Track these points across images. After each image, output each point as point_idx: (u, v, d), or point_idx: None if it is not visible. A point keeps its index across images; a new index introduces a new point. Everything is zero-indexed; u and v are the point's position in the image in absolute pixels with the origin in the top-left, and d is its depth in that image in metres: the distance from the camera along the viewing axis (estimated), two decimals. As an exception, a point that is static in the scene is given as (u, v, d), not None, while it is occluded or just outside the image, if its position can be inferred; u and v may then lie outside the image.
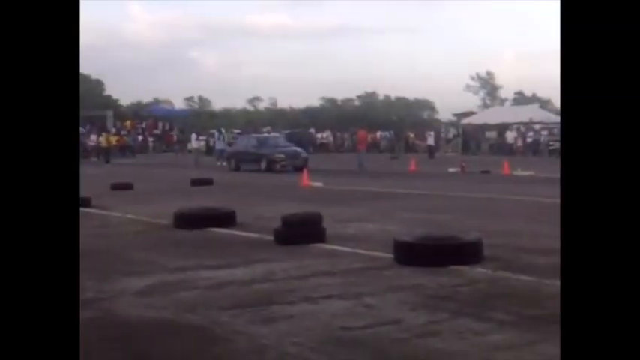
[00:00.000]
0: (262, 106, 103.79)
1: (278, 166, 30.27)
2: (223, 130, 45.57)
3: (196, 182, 22.07)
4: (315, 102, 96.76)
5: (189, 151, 48.86)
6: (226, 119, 78.26)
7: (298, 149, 33.03)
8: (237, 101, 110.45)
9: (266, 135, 41.84)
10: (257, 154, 31.52)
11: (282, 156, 31.07)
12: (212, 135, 49.06)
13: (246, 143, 34.57)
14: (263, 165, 30.76)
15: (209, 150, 45.92)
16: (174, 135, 62.32)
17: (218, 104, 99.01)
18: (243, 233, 10.99)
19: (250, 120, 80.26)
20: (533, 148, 48.54)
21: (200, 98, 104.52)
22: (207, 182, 22.32)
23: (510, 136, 51.50)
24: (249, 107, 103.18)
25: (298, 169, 27.54)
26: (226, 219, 11.79)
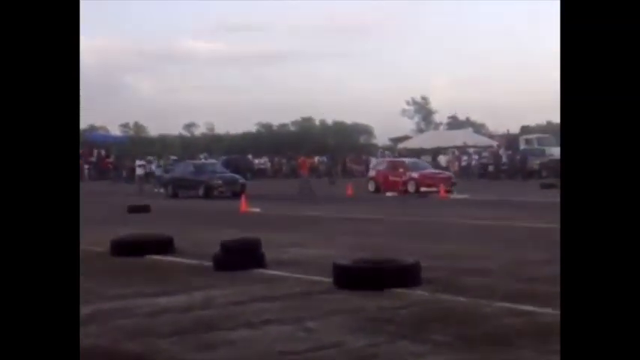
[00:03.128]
0: (199, 132, 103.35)
1: (216, 192, 30.20)
2: (156, 157, 45.25)
3: (133, 209, 21.88)
4: (251, 128, 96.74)
5: (126, 179, 48.31)
6: (162, 146, 77.66)
7: (236, 175, 33.00)
8: (173, 127, 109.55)
9: (203, 161, 41.65)
10: (195, 181, 31.40)
11: (220, 182, 31.03)
12: (150, 162, 48.67)
13: (183, 169, 34.45)
14: (201, 191, 30.65)
15: (147, 177, 45.47)
16: (111, 162, 61.51)
17: (154, 130, 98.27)
18: (182, 260, 10.91)
19: (187, 146, 79.76)
20: (467, 172, 49.25)
21: (136, 125, 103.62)
22: (145, 209, 22.15)
23: (443, 159, 52.03)
24: (186, 133, 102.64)
25: (236, 195, 27.49)
26: (164, 245, 11.69)
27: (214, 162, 40.77)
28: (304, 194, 30.94)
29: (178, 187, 32.03)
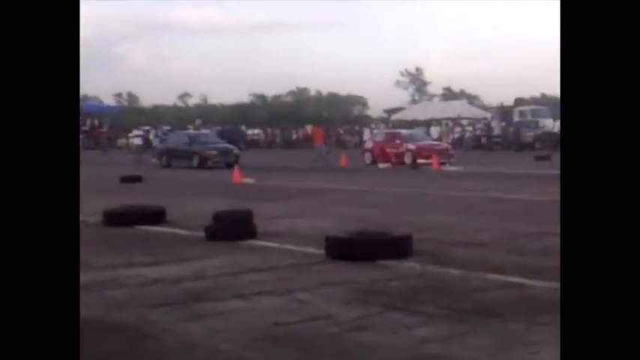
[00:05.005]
0: (192, 102, 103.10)
1: (210, 163, 30.10)
2: (152, 127, 45.14)
3: (126, 179, 21.83)
4: (245, 98, 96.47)
5: (119, 148, 48.16)
6: (156, 116, 77.50)
7: (230, 146, 32.89)
8: (166, 98, 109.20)
9: (197, 132, 41.35)
10: (189, 151, 31.30)
11: (215, 152, 30.91)
12: (148, 131, 48.75)
13: (177, 140, 34.30)
14: (195, 161, 30.54)
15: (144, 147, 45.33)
16: (104, 132, 61.31)
17: (147, 101, 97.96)
18: (174, 230, 10.90)
19: (180, 117, 79.57)
20: (461, 144, 49.22)
21: (129, 95, 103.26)
22: (137, 179, 22.10)
23: (435, 131, 51.91)
24: (180, 104, 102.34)
25: (231, 166, 27.40)
26: (156, 216, 11.67)
27: (208, 132, 40.58)
28: (323, 163, 30.60)
29: (172, 158, 31.90)
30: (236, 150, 32.20)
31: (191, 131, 43.69)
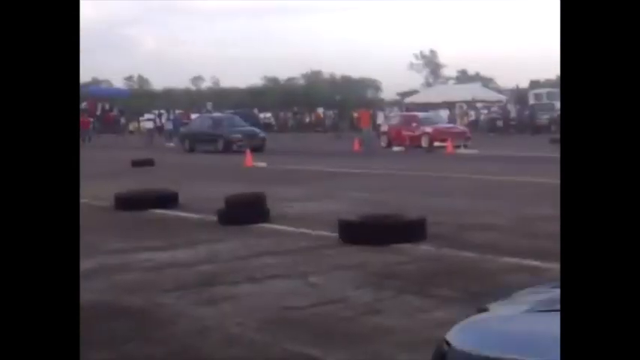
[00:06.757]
0: (205, 85, 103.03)
1: (235, 147, 28.93)
2: (163, 111, 44.88)
3: (138, 163, 21.78)
4: (258, 81, 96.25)
5: (131, 132, 48.13)
6: (168, 99, 77.49)
7: (256, 129, 32.02)
8: (178, 81, 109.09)
9: (222, 115, 39.98)
10: (213, 135, 30.18)
11: (240, 136, 29.81)
12: (160, 115, 48.59)
13: (200, 123, 33.23)
14: (220, 145, 29.45)
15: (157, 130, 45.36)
16: (114, 115, 61.31)
17: (159, 84, 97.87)
18: (187, 214, 10.86)
19: (193, 100, 79.52)
20: (476, 127, 48.96)
21: (140, 78, 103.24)
22: (149, 163, 22.04)
23: (444, 114, 51.35)
24: (192, 87, 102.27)
25: (257, 150, 26.33)
26: (169, 200, 11.63)
27: (233, 115, 39.26)
28: (369, 148, 29.19)
29: (196, 142, 30.73)
30: (262, 133, 31.20)
31: (215, 114, 42.40)
